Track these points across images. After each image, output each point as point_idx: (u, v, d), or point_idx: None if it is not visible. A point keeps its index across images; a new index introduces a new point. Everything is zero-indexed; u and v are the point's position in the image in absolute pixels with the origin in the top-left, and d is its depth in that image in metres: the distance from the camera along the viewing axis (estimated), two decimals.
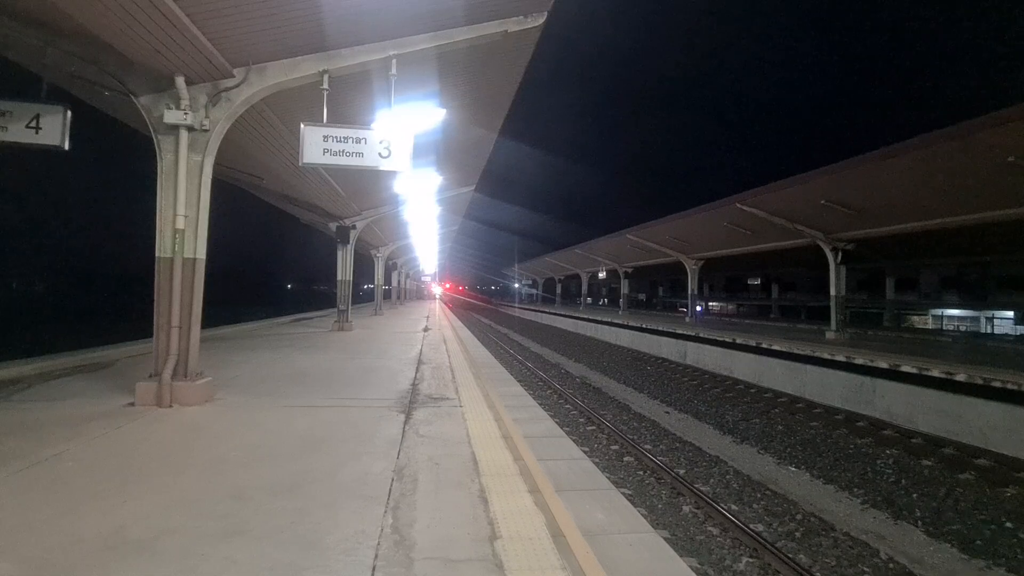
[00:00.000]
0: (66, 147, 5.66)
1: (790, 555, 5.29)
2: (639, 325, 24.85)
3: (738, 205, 16.31)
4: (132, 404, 5.67)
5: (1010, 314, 29.65)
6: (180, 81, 5.55)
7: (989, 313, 30.83)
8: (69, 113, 5.71)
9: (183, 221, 5.74)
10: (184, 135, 5.69)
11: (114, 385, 6.71)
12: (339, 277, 16.36)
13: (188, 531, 2.90)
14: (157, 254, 5.74)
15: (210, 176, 5.95)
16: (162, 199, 5.73)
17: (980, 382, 9.54)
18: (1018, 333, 27.36)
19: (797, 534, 5.99)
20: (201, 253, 5.91)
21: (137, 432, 4.80)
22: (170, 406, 5.61)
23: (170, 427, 5.01)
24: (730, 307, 51.79)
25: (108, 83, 5.84)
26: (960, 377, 9.90)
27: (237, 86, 5.89)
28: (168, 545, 2.73)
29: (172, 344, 5.71)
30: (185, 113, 5.61)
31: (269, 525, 2.99)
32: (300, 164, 5.94)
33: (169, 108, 5.62)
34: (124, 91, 5.73)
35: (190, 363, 5.84)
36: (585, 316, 34.27)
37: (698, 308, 28.73)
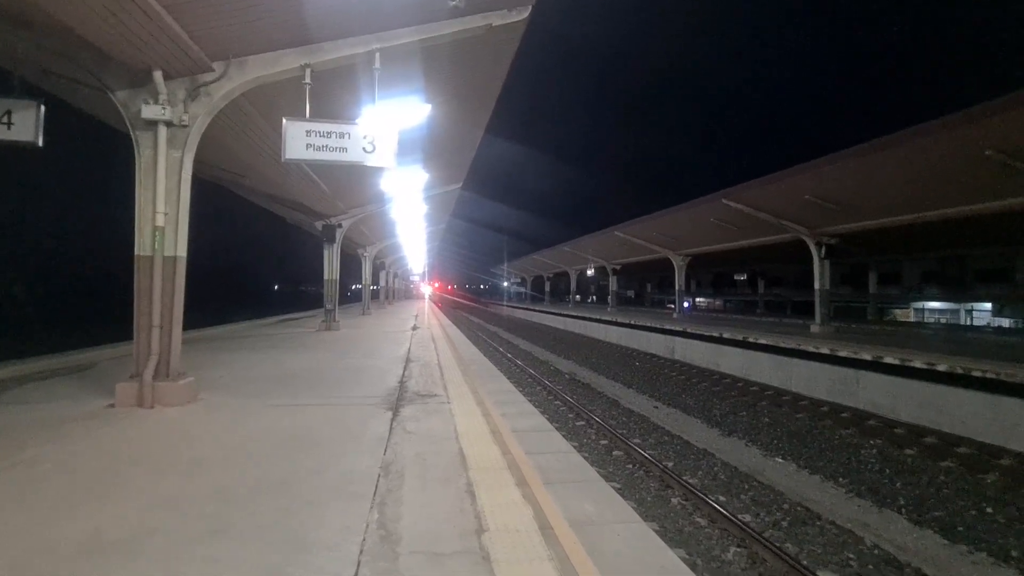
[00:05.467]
0: (40, 143, 5.54)
1: (777, 544, 5.34)
2: (627, 322, 24.97)
3: (724, 201, 16.44)
4: (112, 405, 5.56)
5: (988, 306, 30.28)
6: (158, 75, 5.44)
7: (968, 305, 31.45)
8: (43, 108, 5.59)
9: (163, 219, 5.63)
10: (163, 131, 5.58)
11: (94, 387, 6.58)
12: (326, 277, 16.21)
13: (169, 532, 2.84)
14: (136, 252, 5.63)
15: (190, 172, 5.85)
16: (141, 196, 5.61)
17: (960, 372, 9.72)
18: (996, 324, 27.97)
19: (784, 523, 6.05)
20: (182, 251, 5.81)
21: (117, 433, 4.71)
22: (151, 407, 5.50)
23: (151, 428, 4.91)
24: (717, 303, 52.30)
25: (83, 78, 5.72)
26: (941, 367, 10.08)
27: (216, 80, 5.78)
28: (148, 546, 2.67)
29: (153, 344, 5.61)
30: (163, 108, 5.50)
31: (252, 524, 2.94)
32: (282, 160, 5.85)
33: (147, 103, 5.50)
34: (100, 86, 5.60)
35: (172, 363, 5.74)
36: (574, 313, 34.36)
37: (686, 304, 28.97)
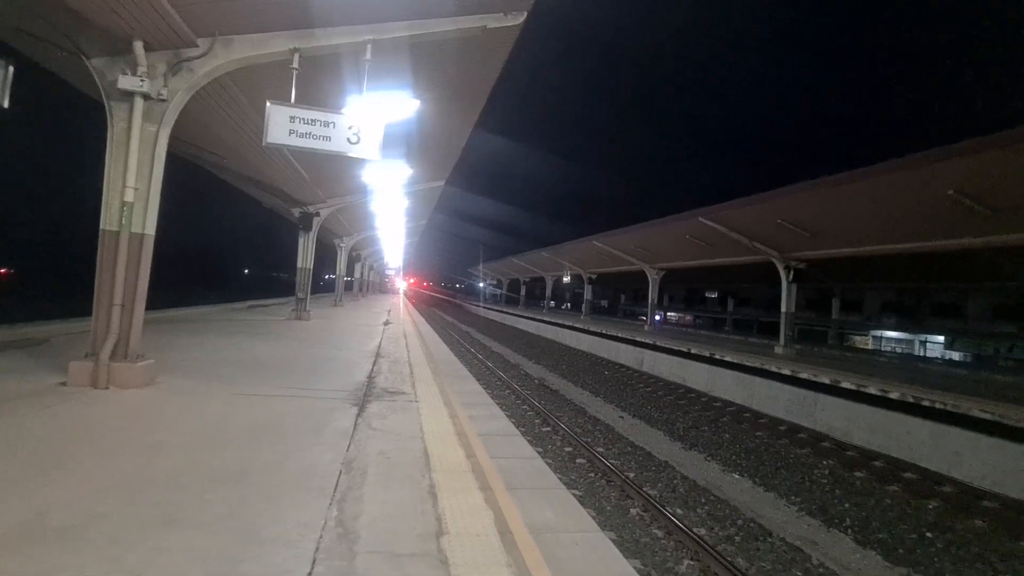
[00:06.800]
0: (5, 104, 5.29)
1: (729, 558, 5.48)
2: (600, 331, 25.22)
3: (700, 219, 16.79)
4: (64, 384, 5.34)
5: (941, 339, 31.69)
6: (138, 46, 5.26)
7: (923, 337, 32.86)
8: (11, 69, 5.34)
9: (132, 194, 5.44)
10: (139, 103, 5.40)
11: (46, 363, 6.30)
12: (299, 265, 15.91)
13: (116, 519, 2.74)
14: (102, 226, 5.43)
15: (165, 148, 5.68)
16: (111, 169, 5.42)
17: (911, 400, 10.15)
18: (947, 357, 29.28)
19: (737, 538, 6.21)
20: (150, 228, 5.63)
21: (67, 413, 4.52)
22: (106, 388, 5.31)
23: (104, 409, 4.74)
24: (687, 318, 53.30)
25: (58, 41, 5.49)
26: (893, 395, 10.50)
27: (200, 57, 5.63)
28: (93, 533, 2.58)
29: (113, 322, 5.40)
30: (142, 80, 5.32)
31: (206, 514, 2.86)
32: (264, 144, 5.74)
33: (124, 74, 5.31)
34: (76, 51, 5.40)
35: (131, 343, 5.54)
36: (548, 319, 34.51)
37: (657, 317, 29.41)
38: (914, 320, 32.36)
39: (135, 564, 2.34)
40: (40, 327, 9.24)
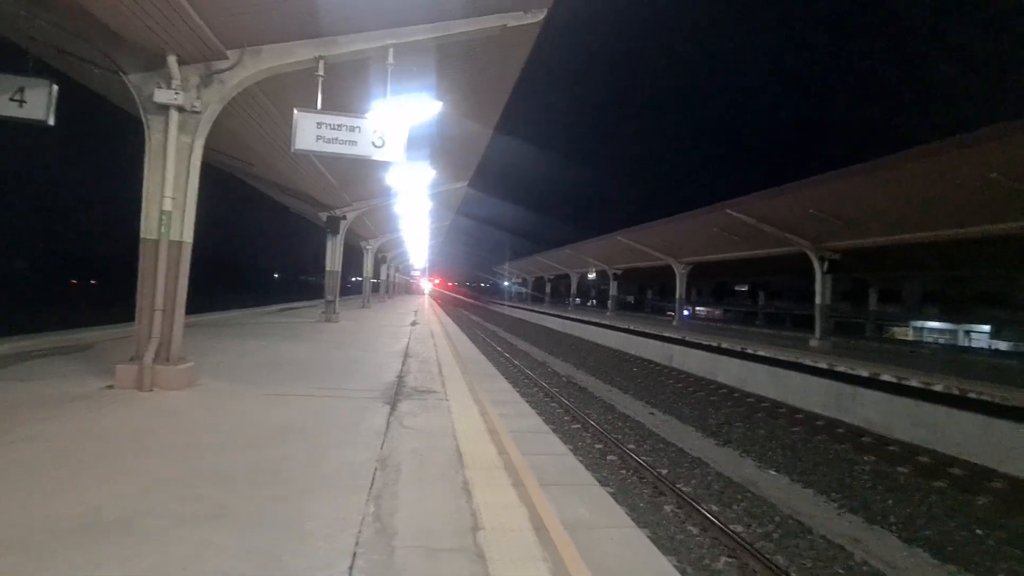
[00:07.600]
0: (51, 122, 5.56)
1: (768, 556, 5.36)
2: (626, 327, 24.98)
3: (728, 211, 16.45)
4: (111, 387, 5.58)
5: (987, 328, 30.27)
6: (172, 60, 5.45)
7: (967, 327, 31.44)
8: (55, 87, 5.61)
9: (170, 203, 5.64)
10: (174, 115, 5.59)
11: (93, 367, 6.59)
12: (327, 268, 16.22)
13: (166, 514, 2.85)
14: (142, 235, 5.64)
15: (200, 158, 5.86)
16: (149, 180, 5.63)
17: (956, 393, 9.74)
18: (993, 347, 27.96)
19: (775, 536, 6.07)
20: (188, 236, 5.82)
21: (115, 414, 4.72)
22: (150, 390, 5.52)
23: (150, 410, 4.93)
24: (716, 312, 52.28)
25: (97, 59, 5.73)
26: (937, 388, 10.10)
27: (231, 68, 5.80)
28: (145, 527, 2.69)
29: (155, 327, 5.62)
30: (176, 93, 5.51)
31: (248, 510, 2.95)
32: (292, 150, 5.88)
33: (159, 87, 5.51)
34: (113, 68, 5.62)
35: (173, 347, 5.75)
36: (573, 316, 34.37)
37: (685, 312, 28.93)
38: (957, 309, 30.97)
39: (186, 555, 2.44)
40: (87, 332, 9.67)
